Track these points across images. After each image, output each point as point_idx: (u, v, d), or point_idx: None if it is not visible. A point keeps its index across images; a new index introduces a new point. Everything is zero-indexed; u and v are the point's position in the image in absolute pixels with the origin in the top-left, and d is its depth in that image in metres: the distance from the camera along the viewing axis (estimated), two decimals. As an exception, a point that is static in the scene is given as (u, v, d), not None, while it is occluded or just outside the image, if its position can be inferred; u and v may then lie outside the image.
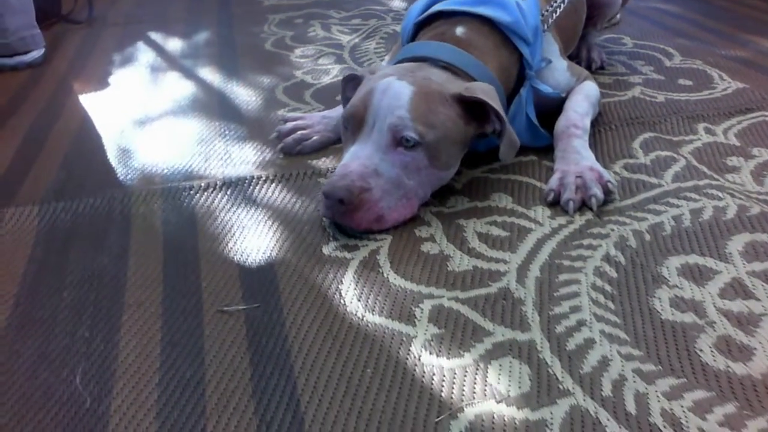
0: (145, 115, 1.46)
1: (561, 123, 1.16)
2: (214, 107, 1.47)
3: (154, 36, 2.04)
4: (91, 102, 1.55)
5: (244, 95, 1.53)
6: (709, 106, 1.38)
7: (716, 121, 1.31)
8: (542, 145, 1.19)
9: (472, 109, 1.01)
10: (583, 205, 1.02)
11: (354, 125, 1.01)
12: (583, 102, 1.20)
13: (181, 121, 1.41)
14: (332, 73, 1.63)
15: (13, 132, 1.41)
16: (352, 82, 1.12)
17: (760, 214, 0.99)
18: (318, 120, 1.28)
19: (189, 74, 1.69)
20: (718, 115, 1.33)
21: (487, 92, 1.00)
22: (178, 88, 1.61)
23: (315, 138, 1.25)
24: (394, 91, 0.98)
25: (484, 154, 1.16)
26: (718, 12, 2.08)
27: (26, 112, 1.51)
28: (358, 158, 0.97)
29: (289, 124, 1.28)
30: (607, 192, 1.03)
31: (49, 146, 1.33)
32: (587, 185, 1.03)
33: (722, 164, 1.14)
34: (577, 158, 1.09)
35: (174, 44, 1.95)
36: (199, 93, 1.56)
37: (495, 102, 0.99)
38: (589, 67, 1.60)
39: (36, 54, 1.80)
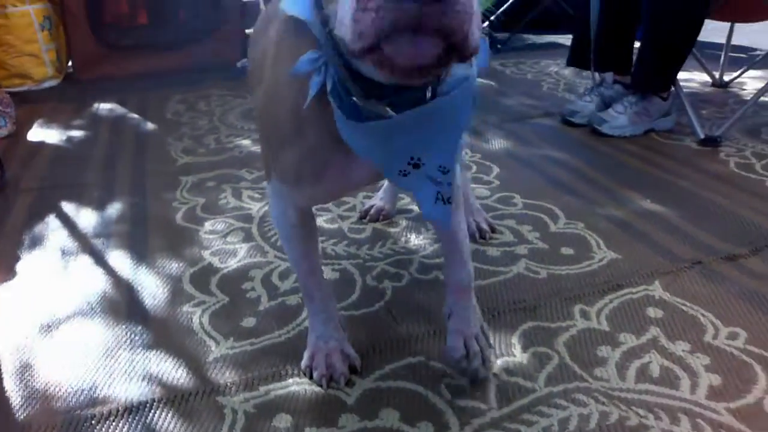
0: (52, 316, 1.48)
1: (463, 278, 1.18)
2: (122, 306, 1.50)
3: (67, 207, 2.07)
4: (-2, 299, 1.57)
5: (152, 287, 1.57)
6: (586, 282, 1.51)
7: (591, 301, 1.43)
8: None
9: None
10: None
11: None
12: (468, 250, 1.19)
13: (88, 324, 1.44)
14: (239, 254, 1.70)
15: None
16: None
17: (617, 421, 1.09)
18: None
19: (99, 260, 1.73)
20: (593, 294, 1.46)
21: None
22: (88, 278, 1.63)
23: None
24: None
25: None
26: (602, 160, 2.28)
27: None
28: None
29: None
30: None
31: (-50, 364, 1.34)
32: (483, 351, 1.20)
33: (592, 357, 1.25)
34: (473, 319, 1.21)
35: (87, 218, 1.98)
36: (107, 287, 1.59)
37: None
38: (483, 237, 1.71)
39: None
